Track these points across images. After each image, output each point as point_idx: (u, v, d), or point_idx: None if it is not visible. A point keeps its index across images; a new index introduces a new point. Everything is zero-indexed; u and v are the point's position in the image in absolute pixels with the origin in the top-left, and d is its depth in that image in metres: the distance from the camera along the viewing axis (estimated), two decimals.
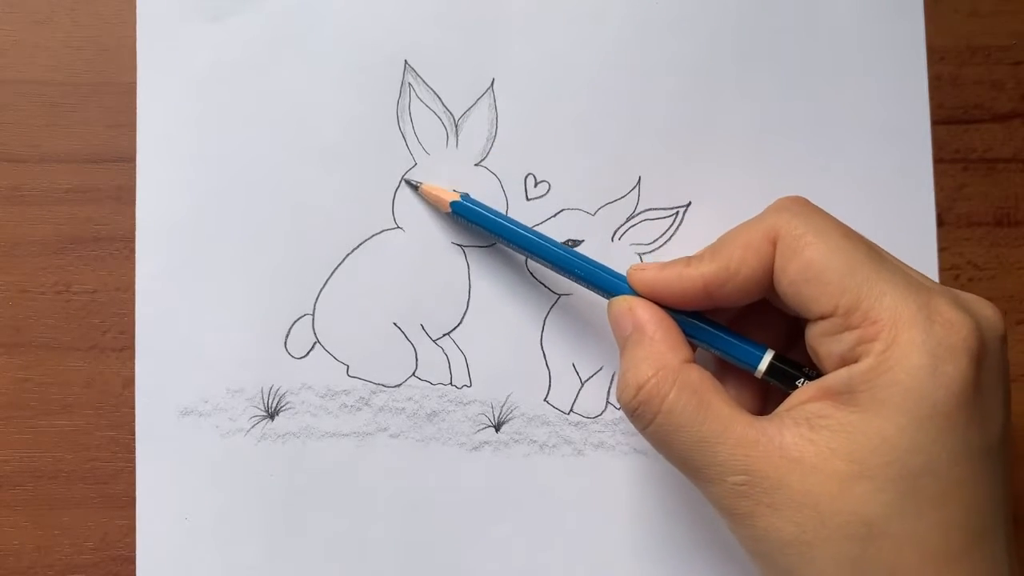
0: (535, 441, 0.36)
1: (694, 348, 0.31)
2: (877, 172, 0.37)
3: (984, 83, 0.37)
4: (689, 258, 0.31)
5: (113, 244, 0.36)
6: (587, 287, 0.33)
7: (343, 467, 0.35)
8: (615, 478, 0.36)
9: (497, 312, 0.36)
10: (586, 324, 0.36)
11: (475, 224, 0.34)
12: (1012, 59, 0.37)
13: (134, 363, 0.35)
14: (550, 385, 0.36)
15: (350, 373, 0.36)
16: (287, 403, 0.35)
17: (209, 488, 0.35)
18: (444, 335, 0.36)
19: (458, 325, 0.36)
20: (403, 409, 0.36)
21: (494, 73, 0.36)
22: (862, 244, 0.28)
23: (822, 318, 0.28)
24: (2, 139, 0.36)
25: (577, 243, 0.36)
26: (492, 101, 0.36)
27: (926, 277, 0.29)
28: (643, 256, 0.36)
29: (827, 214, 0.29)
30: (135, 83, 0.36)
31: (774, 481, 0.27)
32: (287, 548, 0.35)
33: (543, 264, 0.33)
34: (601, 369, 0.36)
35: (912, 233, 0.37)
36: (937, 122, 0.37)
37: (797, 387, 0.29)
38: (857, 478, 0.26)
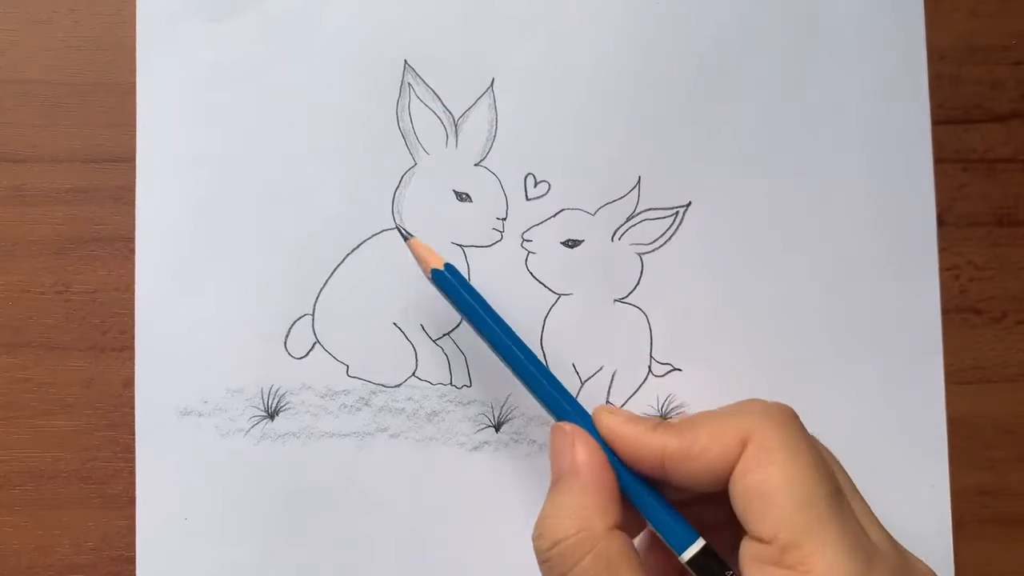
0: (535, 441, 0.36)
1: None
2: (877, 172, 0.37)
3: (984, 83, 0.37)
4: (658, 422, 0.29)
5: (113, 244, 0.36)
6: (539, 402, 0.31)
7: (343, 467, 0.35)
8: None
9: (497, 312, 0.36)
10: (586, 324, 0.36)
11: (448, 298, 0.32)
12: (1012, 59, 0.37)
13: (134, 363, 0.35)
14: None
15: (350, 373, 0.36)
16: (287, 403, 0.35)
17: (209, 488, 0.35)
18: (444, 335, 0.36)
19: (458, 325, 0.36)
20: (403, 409, 0.36)
21: (494, 73, 0.36)
22: (829, 481, 0.27)
23: (759, 540, 0.26)
24: (2, 139, 0.36)
25: (577, 243, 0.36)
26: (492, 101, 0.36)
27: (884, 533, 0.27)
28: (643, 256, 0.36)
29: (808, 436, 0.28)
30: (135, 83, 0.36)
31: None
32: (287, 548, 0.35)
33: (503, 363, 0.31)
34: (601, 369, 0.36)
35: (912, 233, 0.37)
36: (937, 122, 0.37)
37: None
38: None
